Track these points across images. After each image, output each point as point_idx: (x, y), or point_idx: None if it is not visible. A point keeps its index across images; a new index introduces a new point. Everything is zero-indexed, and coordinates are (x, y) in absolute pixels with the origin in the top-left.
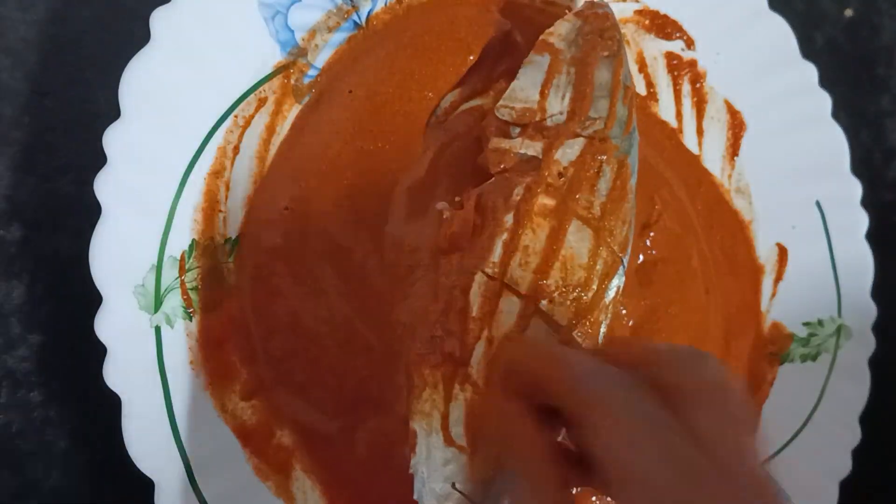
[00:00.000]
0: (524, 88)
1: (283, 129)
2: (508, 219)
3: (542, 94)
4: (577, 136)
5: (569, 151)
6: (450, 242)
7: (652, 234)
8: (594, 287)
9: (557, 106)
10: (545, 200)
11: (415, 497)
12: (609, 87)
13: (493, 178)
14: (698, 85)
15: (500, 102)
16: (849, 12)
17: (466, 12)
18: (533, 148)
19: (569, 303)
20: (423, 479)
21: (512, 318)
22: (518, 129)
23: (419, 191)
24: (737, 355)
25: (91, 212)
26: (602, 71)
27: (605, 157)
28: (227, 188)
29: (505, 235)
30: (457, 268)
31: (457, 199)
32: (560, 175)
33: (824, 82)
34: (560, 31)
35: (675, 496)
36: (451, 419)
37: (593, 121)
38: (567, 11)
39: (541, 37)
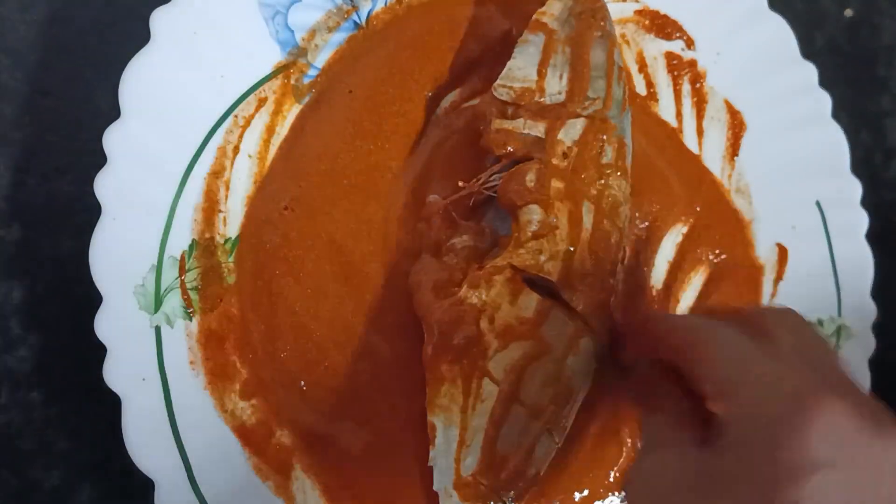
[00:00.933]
0: (521, 67)
1: (283, 129)
2: (535, 210)
3: (540, 74)
4: (578, 116)
5: (571, 132)
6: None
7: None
8: (608, 268)
9: (556, 86)
10: (556, 183)
11: (434, 488)
12: (604, 67)
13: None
14: (698, 85)
15: (498, 82)
16: (849, 12)
17: (466, 12)
18: (536, 129)
19: (582, 287)
20: (443, 471)
21: (529, 313)
22: (515, 109)
23: (417, 185)
24: None
25: (91, 212)
26: (597, 51)
27: (606, 137)
28: (227, 188)
29: (535, 227)
30: (487, 272)
31: (461, 183)
32: (564, 155)
33: (824, 82)
34: (552, 11)
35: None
36: (472, 421)
37: (592, 101)
38: None
39: (534, 16)
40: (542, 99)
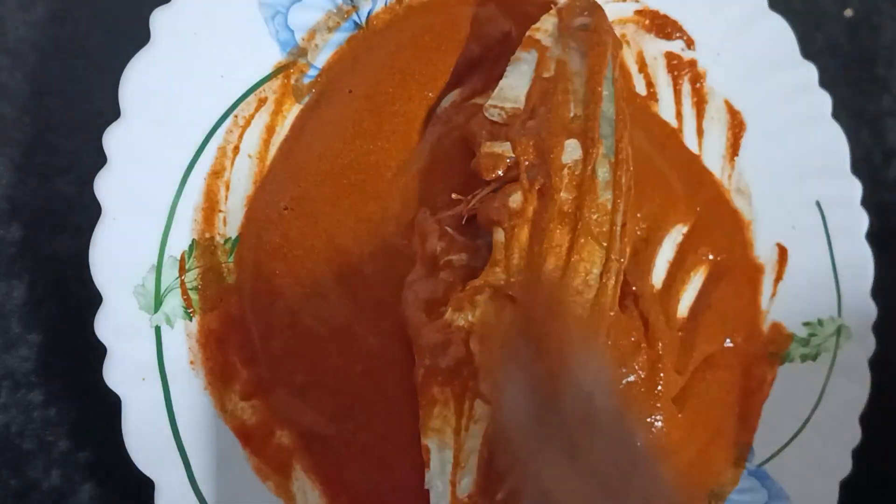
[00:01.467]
0: (513, 87)
1: (283, 129)
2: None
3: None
4: (571, 136)
5: (564, 153)
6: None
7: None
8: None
9: None
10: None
11: None
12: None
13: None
14: (698, 85)
15: (490, 102)
16: (849, 12)
17: (466, 12)
18: None
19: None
20: (439, 493)
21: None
22: (505, 129)
23: (417, 185)
24: (736, 354)
25: (91, 212)
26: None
27: (598, 157)
28: (227, 188)
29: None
30: (468, 293)
31: (454, 196)
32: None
33: (824, 82)
34: (546, 27)
35: None
36: (467, 443)
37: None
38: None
39: (527, 33)
40: (532, 119)
